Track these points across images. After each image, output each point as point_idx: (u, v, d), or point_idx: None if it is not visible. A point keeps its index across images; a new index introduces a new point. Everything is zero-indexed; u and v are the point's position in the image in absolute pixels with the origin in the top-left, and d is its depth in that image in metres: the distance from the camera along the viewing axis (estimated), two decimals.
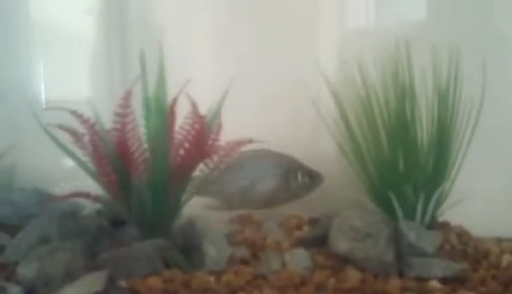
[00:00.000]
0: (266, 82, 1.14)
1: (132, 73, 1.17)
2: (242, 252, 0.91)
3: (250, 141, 0.91)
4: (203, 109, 0.88)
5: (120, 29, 1.25)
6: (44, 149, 0.95)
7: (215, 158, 0.90)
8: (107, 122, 0.89)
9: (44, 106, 1.01)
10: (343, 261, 0.89)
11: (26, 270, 0.72)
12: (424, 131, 0.99)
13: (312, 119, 1.10)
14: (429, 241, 0.90)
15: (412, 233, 0.90)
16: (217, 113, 0.93)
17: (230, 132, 0.90)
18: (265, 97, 1.13)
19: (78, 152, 0.86)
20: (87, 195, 0.85)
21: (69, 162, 0.93)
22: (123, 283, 0.74)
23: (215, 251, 0.84)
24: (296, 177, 1.04)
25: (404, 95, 0.97)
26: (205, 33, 1.21)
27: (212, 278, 0.80)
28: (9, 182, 1.11)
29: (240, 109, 1.01)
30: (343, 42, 1.15)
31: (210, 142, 0.89)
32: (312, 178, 1.06)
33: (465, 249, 0.92)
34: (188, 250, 0.85)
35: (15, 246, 0.87)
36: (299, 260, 0.90)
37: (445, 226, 1.01)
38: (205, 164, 0.90)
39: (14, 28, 1.22)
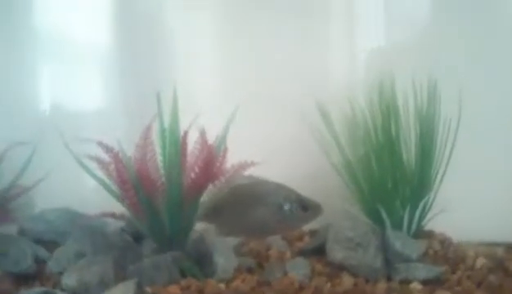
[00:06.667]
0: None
1: (143, 80, 1.32)
2: (248, 262, 1.03)
3: (253, 164, 1.04)
4: (213, 131, 1.01)
5: (130, 35, 1.36)
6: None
7: (222, 179, 1.03)
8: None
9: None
10: (339, 268, 1.00)
11: (68, 280, 0.87)
12: (410, 149, 1.12)
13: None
14: (414, 248, 1.02)
15: (398, 241, 1.02)
16: (223, 139, 1.06)
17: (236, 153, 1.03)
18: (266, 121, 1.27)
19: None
20: (113, 215, 0.99)
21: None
22: (148, 290, 0.88)
23: (224, 261, 0.96)
24: (292, 208, 1.02)
25: (390, 117, 1.10)
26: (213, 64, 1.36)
27: (222, 285, 0.93)
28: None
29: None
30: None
31: (218, 165, 1.02)
32: (310, 209, 1.03)
33: (446, 254, 1.03)
34: (200, 261, 0.98)
35: (55, 259, 1.02)
36: (299, 267, 1.01)
37: (430, 234, 1.12)
38: (214, 186, 1.03)
39: (19, 37, 1.34)
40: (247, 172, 1.04)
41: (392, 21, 1.32)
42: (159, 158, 0.98)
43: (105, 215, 1.00)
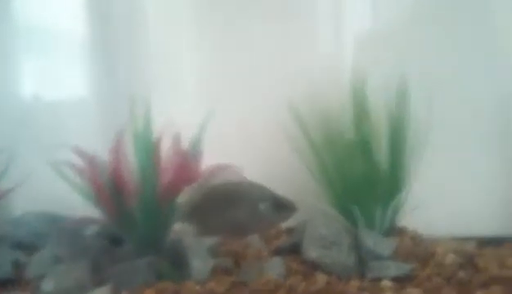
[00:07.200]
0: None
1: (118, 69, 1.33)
2: (225, 262, 1.05)
3: (228, 166, 1.05)
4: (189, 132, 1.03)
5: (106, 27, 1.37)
6: None
7: (197, 182, 1.04)
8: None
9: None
10: (314, 267, 1.02)
11: (46, 286, 0.90)
12: (381, 150, 1.14)
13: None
14: (385, 246, 1.04)
15: (370, 240, 1.04)
16: (198, 142, 1.07)
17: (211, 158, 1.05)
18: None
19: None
20: (91, 220, 1.00)
21: None
22: None
23: (199, 263, 0.98)
24: (268, 206, 1.02)
25: (361, 120, 1.12)
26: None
27: (198, 287, 0.95)
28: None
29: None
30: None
31: (192, 168, 1.04)
32: (285, 207, 1.04)
33: (417, 251, 1.06)
34: (177, 263, 1.00)
35: (34, 264, 1.04)
36: (275, 267, 1.03)
37: (402, 231, 1.15)
38: (190, 188, 1.04)
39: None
40: (229, 173, 1.06)
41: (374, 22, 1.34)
42: (133, 160, 0.99)
43: (83, 220, 1.01)
